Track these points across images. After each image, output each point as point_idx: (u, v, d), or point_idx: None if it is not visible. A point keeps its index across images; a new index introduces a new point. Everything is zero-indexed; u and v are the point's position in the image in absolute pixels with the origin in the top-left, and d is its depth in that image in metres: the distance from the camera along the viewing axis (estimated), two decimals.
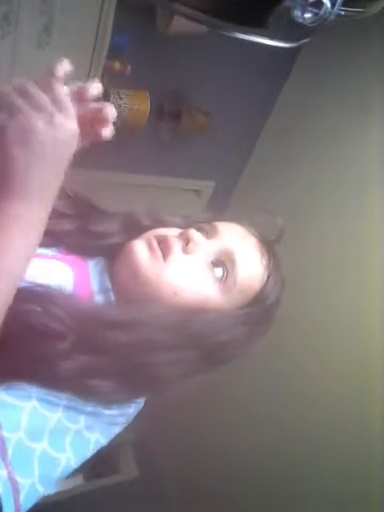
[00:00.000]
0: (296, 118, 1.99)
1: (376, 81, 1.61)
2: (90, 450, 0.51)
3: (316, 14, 0.37)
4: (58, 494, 2.05)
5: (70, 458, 0.48)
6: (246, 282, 0.60)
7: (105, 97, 1.62)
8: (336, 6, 0.36)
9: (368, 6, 0.40)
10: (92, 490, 2.32)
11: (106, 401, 0.51)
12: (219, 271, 0.59)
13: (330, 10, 0.36)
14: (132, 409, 0.56)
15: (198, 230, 0.62)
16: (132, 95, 1.70)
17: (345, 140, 1.75)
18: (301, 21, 0.37)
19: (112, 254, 0.63)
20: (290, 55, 1.94)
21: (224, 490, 1.95)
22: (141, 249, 0.57)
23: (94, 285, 0.59)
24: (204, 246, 0.60)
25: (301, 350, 1.72)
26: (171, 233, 0.61)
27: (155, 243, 0.58)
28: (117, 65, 1.60)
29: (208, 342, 0.56)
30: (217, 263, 0.60)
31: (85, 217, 0.65)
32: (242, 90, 1.95)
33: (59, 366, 0.47)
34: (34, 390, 0.46)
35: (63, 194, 0.63)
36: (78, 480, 2.39)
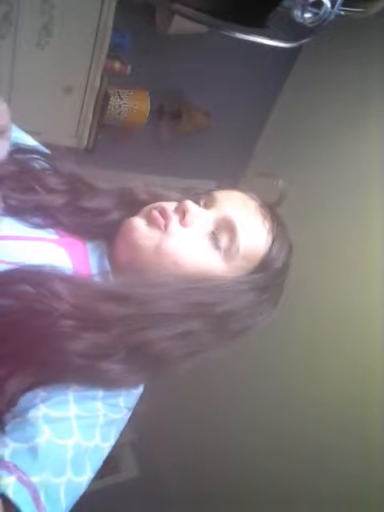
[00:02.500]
0: (296, 117, 1.99)
1: (376, 81, 1.61)
2: (104, 457, 0.51)
3: (316, 13, 0.36)
4: None
5: (90, 476, 0.47)
6: (249, 247, 0.58)
7: (105, 97, 1.62)
8: (336, 6, 0.36)
9: (368, 6, 0.40)
10: (92, 490, 2.32)
11: (118, 385, 0.50)
12: (220, 240, 0.57)
13: (329, 10, 0.36)
14: (134, 398, 0.55)
15: (196, 200, 0.60)
16: (132, 95, 1.70)
17: (345, 140, 1.75)
18: (301, 21, 0.37)
19: (111, 234, 0.61)
20: (290, 55, 1.94)
21: (224, 489, 1.95)
22: (139, 222, 0.57)
23: (93, 268, 0.58)
24: (202, 217, 0.58)
25: (301, 351, 1.72)
26: (169, 206, 0.59)
27: (155, 213, 0.56)
28: (117, 65, 1.60)
29: (214, 311, 0.54)
30: (217, 232, 0.58)
31: (77, 192, 0.62)
32: (242, 90, 1.95)
33: (68, 347, 0.46)
34: (41, 415, 0.44)
35: (56, 172, 0.63)
36: None
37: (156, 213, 0.56)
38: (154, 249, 0.55)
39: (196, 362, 0.54)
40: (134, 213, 0.60)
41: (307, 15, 0.37)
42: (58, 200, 0.61)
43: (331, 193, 1.74)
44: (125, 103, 1.68)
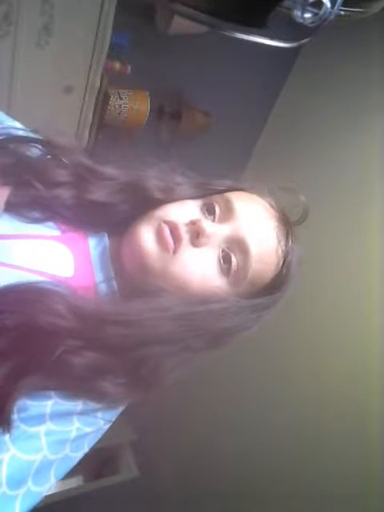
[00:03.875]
0: (296, 118, 1.99)
1: (376, 81, 1.61)
2: (74, 464, 0.50)
3: (316, 14, 0.36)
4: (58, 494, 2.06)
5: (52, 483, 0.47)
6: (257, 274, 0.56)
7: (105, 97, 1.62)
8: (336, 6, 0.36)
9: (368, 6, 0.40)
10: (92, 490, 2.32)
11: (111, 401, 0.50)
12: (229, 264, 0.55)
13: (329, 10, 0.36)
14: (115, 413, 0.55)
15: (210, 205, 0.57)
16: (132, 95, 1.70)
17: (345, 140, 1.75)
18: (301, 21, 0.37)
19: (115, 227, 0.59)
20: (290, 55, 1.94)
21: (224, 489, 1.95)
22: (148, 238, 0.53)
23: (97, 273, 0.56)
24: (215, 234, 0.55)
25: (300, 350, 1.72)
26: (182, 218, 0.55)
27: (166, 232, 0.53)
28: (117, 65, 1.60)
29: (213, 332, 0.54)
30: (227, 254, 0.55)
31: (83, 183, 0.58)
32: (242, 90, 1.95)
33: (72, 361, 0.46)
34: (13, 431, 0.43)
35: (59, 163, 0.58)
36: (78, 480, 2.40)
37: (167, 232, 0.53)
38: (160, 271, 0.53)
39: (186, 369, 0.55)
40: (144, 211, 0.57)
41: (307, 15, 0.37)
42: (63, 194, 0.57)
43: (331, 193, 1.74)
44: (125, 103, 1.68)
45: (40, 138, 0.60)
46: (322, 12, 0.36)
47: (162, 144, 1.95)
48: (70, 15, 1.34)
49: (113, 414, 0.53)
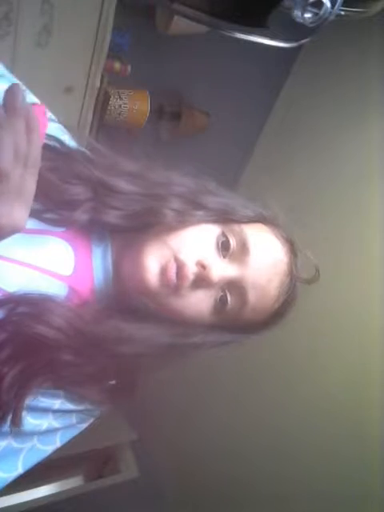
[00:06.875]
0: (296, 117, 1.99)
1: (376, 80, 1.61)
2: (44, 457, 0.52)
3: (316, 13, 0.36)
4: (58, 494, 2.06)
5: (19, 472, 0.49)
6: (246, 319, 0.58)
7: (105, 97, 1.62)
8: (336, 6, 0.36)
9: (368, 6, 0.40)
10: (92, 490, 2.32)
11: (97, 406, 0.54)
12: (225, 306, 0.56)
13: (330, 10, 0.36)
14: (90, 418, 0.57)
15: (227, 244, 0.56)
16: (132, 95, 1.70)
17: (345, 140, 1.74)
18: (301, 21, 0.37)
19: (119, 233, 0.59)
20: (290, 55, 1.94)
21: (223, 490, 1.95)
22: (153, 270, 0.53)
23: (97, 274, 0.56)
24: (221, 278, 0.54)
25: (300, 354, 1.72)
26: (193, 255, 0.54)
27: (172, 271, 0.52)
28: (117, 65, 1.60)
29: (192, 354, 0.58)
30: (225, 296, 0.55)
31: (100, 203, 0.54)
32: (241, 90, 1.95)
33: (62, 371, 0.49)
34: None
35: (76, 176, 0.55)
36: (78, 480, 2.39)
37: (173, 271, 0.52)
38: (158, 302, 0.54)
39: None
40: (155, 231, 0.56)
41: (307, 15, 0.37)
42: (81, 217, 0.54)
43: (330, 191, 1.74)
44: (125, 103, 1.68)
45: (57, 146, 0.57)
46: (322, 12, 0.36)
47: (161, 144, 1.95)
48: (70, 15, 1.34)
49: (87, 420, 0.56)
